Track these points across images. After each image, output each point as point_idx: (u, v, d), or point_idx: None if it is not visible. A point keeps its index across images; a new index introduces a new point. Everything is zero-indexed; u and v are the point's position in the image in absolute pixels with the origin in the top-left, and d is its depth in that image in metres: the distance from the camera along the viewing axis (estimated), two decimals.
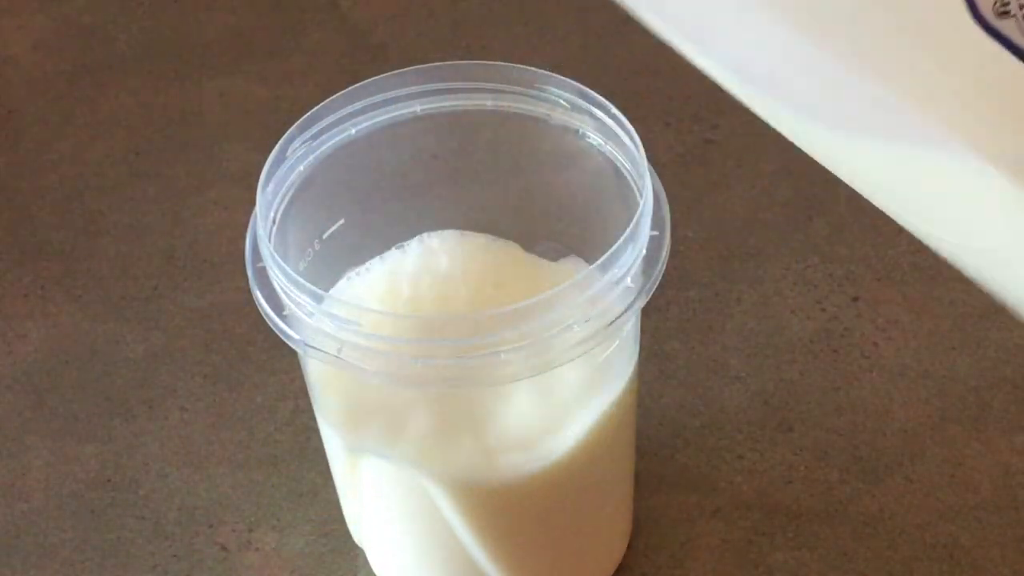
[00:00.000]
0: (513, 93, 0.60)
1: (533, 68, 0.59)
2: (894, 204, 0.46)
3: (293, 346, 0.55)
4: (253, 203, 0.57)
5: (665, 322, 0.73)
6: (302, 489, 0.68)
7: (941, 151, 0.41)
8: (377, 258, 0.62)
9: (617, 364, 0.58)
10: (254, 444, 0.70)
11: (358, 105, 0.60)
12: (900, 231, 0.48)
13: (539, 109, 0.60)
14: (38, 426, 0.71)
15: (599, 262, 0.53)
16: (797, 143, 0.45)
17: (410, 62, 0.61)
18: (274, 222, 0.58)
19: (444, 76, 0.60)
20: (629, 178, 0.58)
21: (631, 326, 0.57)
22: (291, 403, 0.71)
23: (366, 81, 0.60)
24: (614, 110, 0.58)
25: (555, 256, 0.62)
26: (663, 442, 0.69)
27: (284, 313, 0.55)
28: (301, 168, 0.59)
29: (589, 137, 0.59)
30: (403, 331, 0.55)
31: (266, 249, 0.55)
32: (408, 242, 0.62)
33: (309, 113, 0.59)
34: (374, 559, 0.65)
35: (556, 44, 0.86)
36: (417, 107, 0.60)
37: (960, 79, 0.41)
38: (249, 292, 0.57)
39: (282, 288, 0.55)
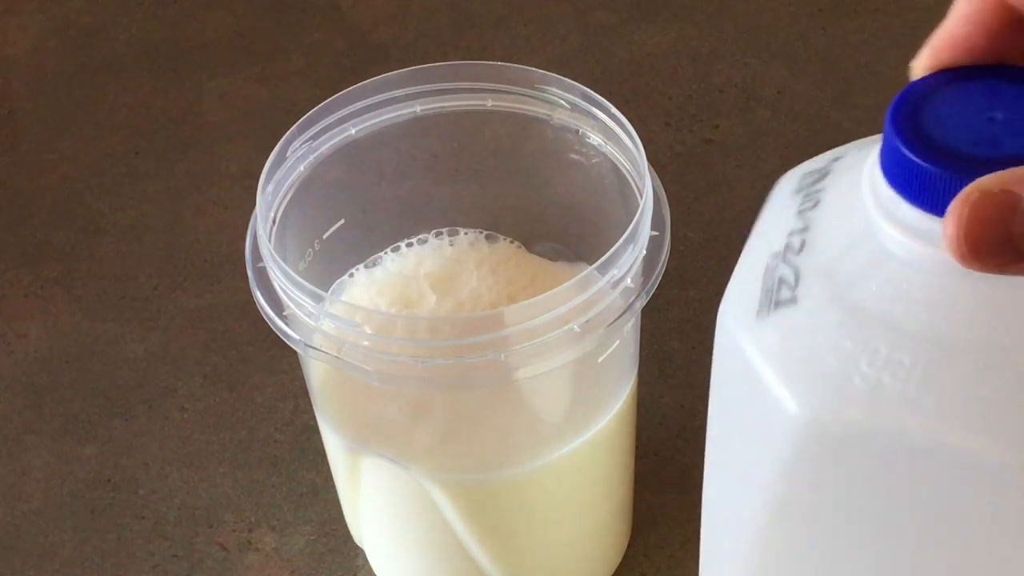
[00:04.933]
0: (513, 93, 0.60)
1: (533, 68, 0.59)
2: None
3: (293, 346, 0.55)
4: (253, 203, 0.57)
5: (665, 322, 0.73)
6: (302, 489, 0.68)
7: None
8: (377, 258, 0.62)
9: (617, 364, 0.58)
10: (254, 444, 0.70)
11: (358, 105, 0.60)
12: None
13: (539, 109, 0.60)
14: (38, 426, 0.71)
15: (599, 262, 0.53)
16: None
17: (410, 62, 0.61)
18: (274, 222, 0.57)
19: (444, 76, 0.60)
20: (629, 178, 0.58)
21: (631, 326, 0.57)
22: (291, 403, 0.71)
23: (366, 81, 0.59)
24: (614, 110, 0.58)
25: (555, 256, 0.62)
26: (663, 442, 0.69)
27: (284, 313, 0.55)
28: (301, 168, 0.59)
29: (589, 137, 0.59)
30: (403, 331, 0.55)
31: (266, 249, 0.55)
32: (408, 242, 0.62)
33: (309, 113, 0.59)
34: (374, 559, 0.65)
35: (556, 44, 0.86)
36: (417, 107, 0.60)
37: None
38: (249, 292, 0.57)
39: (282, 288, 0.55)
